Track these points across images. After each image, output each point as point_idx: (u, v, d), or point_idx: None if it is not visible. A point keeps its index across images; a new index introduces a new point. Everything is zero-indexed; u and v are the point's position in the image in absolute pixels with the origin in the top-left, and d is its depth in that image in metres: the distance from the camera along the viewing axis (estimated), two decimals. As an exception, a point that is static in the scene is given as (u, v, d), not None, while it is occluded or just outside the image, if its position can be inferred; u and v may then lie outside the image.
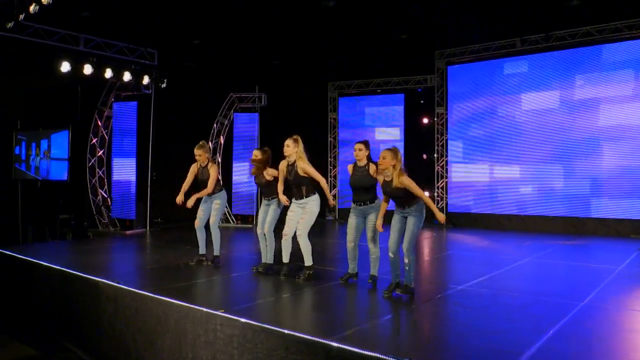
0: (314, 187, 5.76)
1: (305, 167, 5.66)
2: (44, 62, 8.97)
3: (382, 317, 4.59)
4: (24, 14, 6.16)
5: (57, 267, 6.55)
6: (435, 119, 13.35)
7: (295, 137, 5.77)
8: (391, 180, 5.10)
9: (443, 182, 13.20)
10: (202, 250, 6.89)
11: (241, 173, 12.94)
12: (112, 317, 5.53)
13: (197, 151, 6.63)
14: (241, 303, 4.91)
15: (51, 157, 11.88)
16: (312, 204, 5.72)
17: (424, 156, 13.81)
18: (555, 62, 11.59)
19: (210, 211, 6.70)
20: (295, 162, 5.71)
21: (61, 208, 11.28)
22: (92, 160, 11.90)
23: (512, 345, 3.70)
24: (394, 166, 5.06)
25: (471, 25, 11.51)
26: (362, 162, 5.53)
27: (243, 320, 4.23)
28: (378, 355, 3.46)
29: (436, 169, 13.32)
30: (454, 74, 13.04)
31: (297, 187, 5.75)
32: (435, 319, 4.61)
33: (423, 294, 5.29)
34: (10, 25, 6.52)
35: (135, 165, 11.39)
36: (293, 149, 5.71)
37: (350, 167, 5.64)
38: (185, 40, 11.21)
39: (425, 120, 13.79)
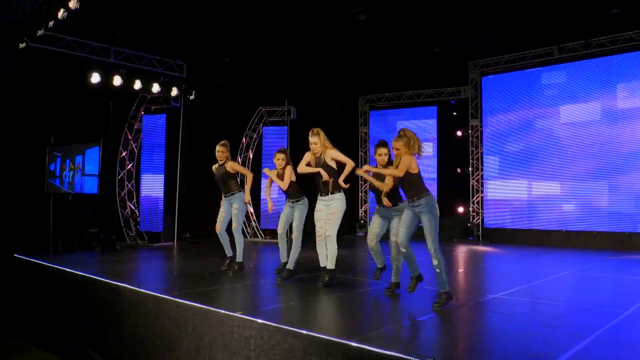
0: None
1: (333, 153, 5.59)
2: (75, 73, 9.21)
3: (411, 319, 4.41)
4: (53, 22, 6.37)
5: (79, 273, 6.62)
6: (470, 132, 13.11)
7: (315, 131, 5.70)
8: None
9: (478, 196, 12.89)
10: (229, 252, 6.82)
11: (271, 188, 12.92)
12: (133, 323, 5.53)
13: (218, 147, 6.56)
14: (263, 306, 4.83)
15: (85, 173, 12.11)
16: (337, 202, 5.60)
17: (459, 170, 13.55)
18: (596, 71, 11.25)
19: (231, 215, 6.57)
20: (322, 154, 5.64)
21: (90, 221, 11.46)
22: (122, 173, 12.12)
23: (547, 348, 3.48)
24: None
25: (506, 35, 11.35)
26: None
27: (260, 321, 4.15)
28: (399, 355, 3.30)
29: (471, 183, 13.03)
30: (489, 85, 12.83)
31: (324, 183, 5.62)
32: (465, 323, 4.42)
33: (454, 301, 5.08)
34: (40, 32, 6.74)
35: (163, 179, 11.53)
36: (319, 144, 5.66)
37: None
38: (214, 54, 11.40)
39: (459, 133, 13.56)
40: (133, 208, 12.07)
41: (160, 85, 10.53)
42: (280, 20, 9.99)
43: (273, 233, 13.09)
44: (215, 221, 6.68)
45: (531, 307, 4.89)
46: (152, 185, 11.70)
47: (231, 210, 6.57)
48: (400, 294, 5.42)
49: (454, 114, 13.73)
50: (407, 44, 11.72)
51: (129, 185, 12.20)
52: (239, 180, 6.92)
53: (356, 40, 11.38)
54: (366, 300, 5.31)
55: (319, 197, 5.70)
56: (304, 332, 3.83)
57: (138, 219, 11.91)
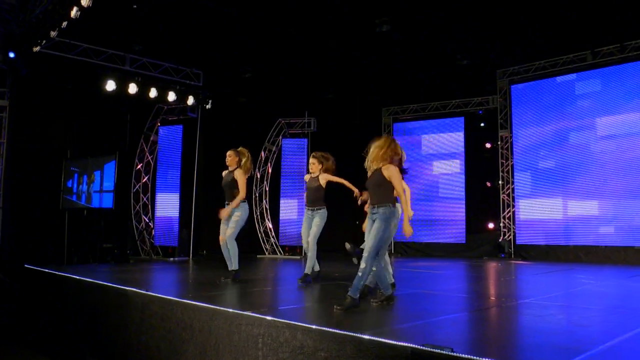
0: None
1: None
2: (90, 81, 9.42)
3: (434, 317, 4.30)
4: (66, 22, 6.54)
5: (85, 279, 6.66)
6: (499, 143, 12.93)
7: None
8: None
9: (509, 211, 12.62)
10: (230, 267, 6.72)
11: (289, 210, 12.88)
12: (138, 327, 5.50)
13: (229, 152, 6.58)
14: (280, 305, 4.77)
15: (103, 189, 12.27)
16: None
17: (488, 184, 13.33)
18: (633, 76, 10.98)
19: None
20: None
21: (104, 236, 11.58)
22: (137, 186, 12.27)
23: (575, 342, 3.31)
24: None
25: (535, 40, 11.24)
26: None
27: (269, 318, 4.09)
28: (414, 345, 3.18)
29: (501, 197, 12.79)
30: (518, 93, 12.67)
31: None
32: (492, 321, 4.32)
33: (480, 304, 4.95)
34: (54, 34, 6.92)
35: (179, 193, 11.63)
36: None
37: None
38: (232, 63, 11.55)
39: (489, 145, 13.37)
40: (148, 222, 12.15)
41: (176, 94, 10.69)
42: (300, 31, 10.12)
43: (292, 249, 13.04)
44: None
45: (562, 309, 4.72)
46: (168, 203, 11.81)
47: (231, 218, 6.48)
48: (423, 297, 5.32)
49: (482, 125, 13.57)
50: (431, 54, 11.71)
51: (144, 199, 12.32)
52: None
53: (379, 50, 11.43)
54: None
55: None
56: (313, 327, 3.76)
57: (153, 232, 11.97)
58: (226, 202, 6.62)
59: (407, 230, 4.74)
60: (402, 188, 4.79)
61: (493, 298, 5.65)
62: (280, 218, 13.04)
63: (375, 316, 4.43)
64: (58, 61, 8.89)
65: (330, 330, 3.64)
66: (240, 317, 4.33)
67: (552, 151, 11.91)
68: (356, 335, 3.47)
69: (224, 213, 6.39)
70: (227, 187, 6.61)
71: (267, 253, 13.06)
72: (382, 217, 4.69)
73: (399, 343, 3.23)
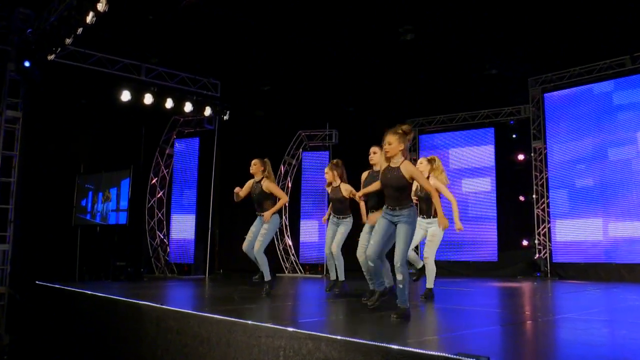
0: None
1: (436, 184, 6.24)
2: (105, 92, 9.58)
3: (465, 330, 4.23)
4: (82, 28, 6.68)
5: (98, 294, 6.72)
6: (532, 155, 12.76)
7: (430, 157, 6.49)
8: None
9: (545, 227, 12.40)
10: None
11: (310, 232, 12.83)
12: (153, 342, 5.51)
13: (254, 161, 6.70)
14: (302, 318, 4.73)
15: (120, 208, 12.36)
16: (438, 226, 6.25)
17: (521, 198, 13.13)
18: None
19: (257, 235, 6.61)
20: (428, 178, 6.26)
21: (117, 253, 11.67)
22: (152, 201, 12.37)
23: (627, 354, 3.19)
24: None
25: (569, 46, 11.12)
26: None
27: (290, 329, 4.05)
28: (447, 355, 3.10)
29: (535, 212, 12.58)
30: (552, 102, 12.51)
31: (427, 204, 6.29)
32: (530, 334, 4.21)
33: (515, 318, 4.85)
34: (69, 41, 7.07)
35: (195, 210, 11.70)
36: (426, 167, 6.36)
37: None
38: (250, 72, 11.66)
39: (521, 157, 13.19)
40: (162, 238, 12.23)
41: (193, 105, 10.80)
42: (320, 41, 10.19)
43: (313, 268, 12.98)
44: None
45: (606, 324, 4.59)
46: (184, 219, 11.88)
47: (260, 229, 6.61)
48: (452, 312, 5.23)
49: (514, 136, 13.42)
50: (458, 62, 11.66)
51: (159, 214, 12.42)
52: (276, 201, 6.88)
53: (403, 60, 11.42)
54: (417, 313, 5.14)
55: (420, 219, 6.31)
56: (338, 337, 3.70)
57: (168, 249, 12.03)
58: (257, 213, 6.70)
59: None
60: (433, 187, 4.85)
61: (528, 313, 5.52)
62: (301, 240, 13.01)
63: (402, 329, 4.35)
64: (73, 71, 9.08)
65: (356, 340, 3.58)
66: (260, 329, 4.31)
67: (591, 167, 11.56)
68: (384, 345, 3.40)
69: (266, 217, 6.52)
70: (258, 198, 6.69)
71: (286, 272, 13.01)
72: (409, 220, 4.65)
73: (431, 352, 3.16)
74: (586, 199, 11.59)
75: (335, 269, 6.72)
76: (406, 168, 4.65)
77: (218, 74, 11.38)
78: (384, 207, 4.84)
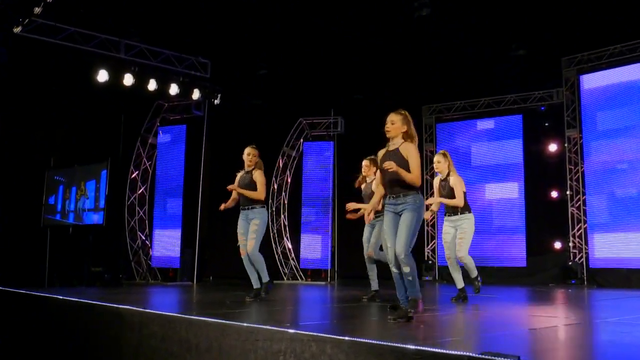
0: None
1: (456, 183, 6.72)
2: (79, 72, 9.59)
3: (490, 332, 4.28)
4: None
5: (73, 299, 6.72)
6: (566, 145, 12.73)
7: (443, 152, 6.96)
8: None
9: (580, 228, 12.38)
10: (256, 283, 6.92)
11: (312, 233, 12.88)
12: (135, 351, 5.51)
13: (249, 149, 6.83)
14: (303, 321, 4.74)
15: (100, 207, 12.31)
16: (467, 222, 6.81)
17: (553, 195, 13.11)
18: None
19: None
20: (448, 176, 6.79)
21: (93, 258, 11.67)
22: (132, 198, 12.39)
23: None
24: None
25: (609, 20, 11.11)
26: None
27: (291, 331, 4.05)
28: (471, 354, 3.09)
29: (570, 210, 12.55)
30: (590, 85, 12.45)
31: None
32: (562, 336, 4.25)
33: (547, 322, 4.87)
34: (38, 10, 7.06)
35: (181, 203, 11.70)
36: (444, 164, 6.80)
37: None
38: (245, 50, 11.66)
39: (554, 147, 13.17)
40: (144, 239, 12.24)
41: (179, 87, 10.83)
42: (325, 16, 10.19)
43: (315, 274, 12.99)
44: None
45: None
46: (168, 217, 11.89)
47: (249, 227, 6.71)
48: (475, 316, 5.24)
49: (546, 124, 13.40)
50: (481, 41, 11.65)
51: (141, 212, 12.43)
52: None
53: (418, 38, 11.42)
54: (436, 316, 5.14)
55: (446, 218, 6.91)
56: (346, 338, 3.70)
57: (150, 252, 12.04)
58: (241, 207, 6.73)
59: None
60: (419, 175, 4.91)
61: (563, 317, 5.54)
62: (302, 243, 13.03)
63: (419, 330, 4.37)
64: (42, 47, 9.08)
65: (366, 341, 3.58)
66: (257, 332, 4.30)
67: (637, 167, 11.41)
68: (398, 345, 3.40)
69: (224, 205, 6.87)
70: (246, 190, 6.72)
71: (285, 278, 13.03)
72: (413, 207, 4.78)
73: (452, 352, 3.16)
74: (631, 207, 11.36)
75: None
76: (405, 147, 4.84)
77: (208, 51, 11.37)
78: (387, 198, 4.98)
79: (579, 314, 6.22)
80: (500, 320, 5.39)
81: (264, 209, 6.78)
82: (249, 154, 6.82)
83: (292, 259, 13.23)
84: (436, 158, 6.94)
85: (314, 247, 12.89)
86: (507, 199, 13.12)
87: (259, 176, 6.74)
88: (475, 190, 13.15)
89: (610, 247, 11.66)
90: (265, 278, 6.82)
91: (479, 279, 7.00)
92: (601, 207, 11.86)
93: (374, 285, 7.14)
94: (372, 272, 7.12)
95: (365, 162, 7.06)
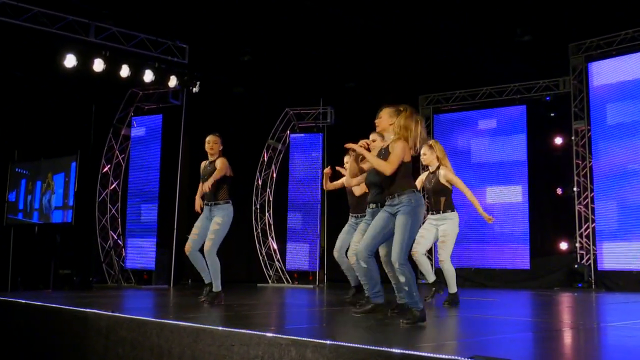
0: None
1: (449, 175, 6.73)
2: (44, 57, 9.52)
3: (487, 336, 4.35)
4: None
5: (36, 303, 6.72)
6: (573, 138, 12.76)
7: (430, 142, 6.89)
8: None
9: (588, 227, 12.42)
10: (207, 278, 6.78)
11: (299, 232, 12.86)
12: (102, 358, 5.49)
13: (209, 137, 6.80)
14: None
15: (69, 205, 12.22)
16: (450, 223, 6.77)
17: (559, 191, 13.16)
18: None
19: (207, 233, 6.60)
20: (437, 169, 6.80)
21: (61, 259, 11.61)
22: (104, 194, 12.34)
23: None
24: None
25: (620, 3, 11.13)
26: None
27: (269, 335, 4.06)
28: (460, 359, 3.10)
29: (577, 209, 12.59)
30: (599, 73, 12.48)
31: (436, 198, 6.80)
32: (565, 340, 4.29)
33: (550, 326, 4.89)
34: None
35: (157, 199, 11.67)
36: (432, 156, 6.77)
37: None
38: (226, 34, 11.61)
39: (559, 141, 13.21)
40: (117, 239, 12.20)
41: (155, 73, 10.76)
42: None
43: (302, 277, 12.99)
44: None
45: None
46: (143, 215, 11.85)
47: (209, 225, 6.59)
48: (473, 320, 5.27)
49: (551, 115, 13.44)
50: (482, 25, 11.64)
51: (113, 210, 12.40)
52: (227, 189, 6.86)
53: (414, 22, 11.39)
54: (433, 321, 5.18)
55: (429, 216, 6.86)
56: (327, 342, 3.71)
57: (123, 253, 12.00)
58: (205, 201, 6.74)
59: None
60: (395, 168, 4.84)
61: (567, 322, 5.57)
62: (288, 243, 13.01)
63: (411, 334, 4.39)
64: (3, 28, 9.01)
65: (349, 345, 3.59)
66: (233, 336, 4.32)
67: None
68: (383, 349, 3.41)
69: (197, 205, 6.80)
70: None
71: (270, 281, 13.02)
72: (408, 208, 4.74)
73: (440, 355, 3.16)
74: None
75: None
76: (393, 143, 4.85)
77: (186, 35, 11.32)
78: (387, 198, 4.98)
79: (580, 318, 6.26)
80: (497, 324, 5.42)
81: (229, 205, 6.66)
82: (209, 142, 6.77)
83: (278, 260, 13.22)
84: (422, 150, 6.72)
85: (301, 247, 12.87)
86: (510, 203, 13.07)
87: (219, 162, 6.64)
88: (475, 194, 13.10)
89: (619, 257, 11.64)
90: (217, 288, 6.63)
91: (457, 299, 6.86)
92: (610, 213, 11.84)
93: (354, 282, 7.19)
94: (349, 271, 7.14)
95: (347, 158, 7.01)
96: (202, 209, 6.75)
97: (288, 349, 3.89)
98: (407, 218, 4.71)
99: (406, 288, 4.68)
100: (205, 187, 6.56)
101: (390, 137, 5.05)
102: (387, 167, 4.79)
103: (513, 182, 13.14)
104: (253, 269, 13.55)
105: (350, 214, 7.11)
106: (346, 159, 7.02)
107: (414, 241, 5.03)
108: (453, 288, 6.81)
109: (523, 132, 13.31)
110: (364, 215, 6.53)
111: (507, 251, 13.01)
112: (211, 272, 6.62)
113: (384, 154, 4.94)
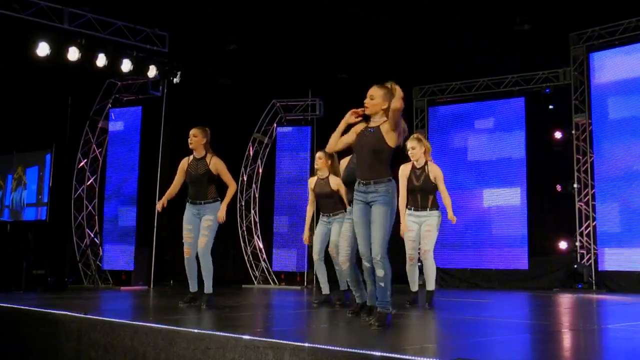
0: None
1: (438, 173, 6.75)
2: (16, 44, 9.49)
3: (476, 338, 4.40)
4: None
5: (7, 305, 6.74)
6: (574, 132, 12.82)
7: (416, 135, 6.90)
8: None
9: (589, 226, 12.49)
10: (194, 287, 6.88)
11: (286, 231, 12.91)
12: (72, 363, 5.51)
13: (194, 131, 6.72)
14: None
15: (43, 202, 12.17)
16: (435, 219, 6.82)
17: (558, 188, 13.21)
18: None
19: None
20: (425, 165, 6.76)
21: (34, 259, 11.58)
22: (80, 190, 12.31)
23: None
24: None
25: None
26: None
27: (246, 337, 4.09)
28: None
29: (577, 206, 12.65)
30: (601, 64, 12.53)
31: (424, 195, 6.77)
32: (563, 342, 4.40)
33: (546, 328, 4.92)
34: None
35: (136, 195, 11.67)
36: (420, 151, 6.69)
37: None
38: (208, 20, 11.59)
39: (559, 135, 13.26)
40: (93, 237, 12.18)
41: (133, 63, 10.75)
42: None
43: (290, 278, 13.01)
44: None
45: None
46: (121, 212, 11.84)
47: (200, 224, 6.63)
48: (465, 322, 5.31)
49: (550, 107, 13.47)
50: (480, 14, 11.65)
51: (90, 207, 12.37)
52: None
53: (408, 10, 11.39)
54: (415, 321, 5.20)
55: (411, 212, 6.82)
56: (306, 345, 3.74)
57: (100, 252, 11.99)
58: (191, 200, 6.73)
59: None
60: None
61: (565, 323, 5.62)
62: (275, 242, 13.02)
63: (387, 336, 4.42)
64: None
65: (328, 347, 3.63)
66: (208, 339, 4.36)
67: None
68: (363, 352, 3.45)
69: (221, 215, 6.64)
70: (198, 182, 6.69)
71: (256, 282, 13.03)
72: (387, 199, 4.76)
73: (421, 358, 3.19)
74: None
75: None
76: (386, 128, 4.78)
77: (166, 22, 11.28)
78: (356, 183, 4.96)
79: (576, 320, 6.30)
80: (488, 326, 5.46)
81: (218, 203, 6.69)
82: (195, 136, 6.70)
83: (264, 260, 13.22)
84: (410, 144, 6.69)
85: (288, 248, 12.88)
86: (508, 206, 13.10)
87: (220, 165, 6.66)
88: (472, 196, 13.25)
89: (621, 258, 11.71)
90: (209, 289, 6.69)
91: (432, 302, 6.78)
92: (613, 216, 11.88)
93: (325, 289, 7.33)
94: (322, 276, 7.31)
95: (319, 155, 7.03)
96: (163, 208, 6.85)
97: (265, 352, 3.92)
98: (387, 209, 4.74)
99: (382, 284, 4.69)
100: (220, 218, 6.61)
101: (376, 119, 4.96)
102: (394, 138, 4.79)
103: (511, 184, 13.17)
104: (238, 269, 13.56)
105: (322, 213, 7.15)
106: (319, 154, 7.07)
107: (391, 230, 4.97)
108: (432, 285, 6.83)
109: (522, 128, 13.34)
110: (336, 214, 6.85)
111: (505, 254, 13.04)
112: (204, 273, 6.66)
113: (373, 134, 4.85)
